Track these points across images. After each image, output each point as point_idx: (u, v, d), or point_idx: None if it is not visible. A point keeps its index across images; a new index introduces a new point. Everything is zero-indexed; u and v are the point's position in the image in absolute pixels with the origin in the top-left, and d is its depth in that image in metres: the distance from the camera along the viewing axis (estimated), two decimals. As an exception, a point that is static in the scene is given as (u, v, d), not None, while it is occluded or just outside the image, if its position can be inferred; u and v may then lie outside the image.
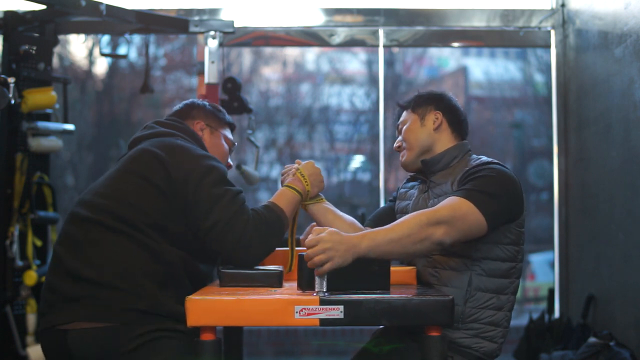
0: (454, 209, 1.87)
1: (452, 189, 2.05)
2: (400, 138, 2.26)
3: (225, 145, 2.32)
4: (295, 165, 2.26)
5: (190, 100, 2.37)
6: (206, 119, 2.29)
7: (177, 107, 2.35)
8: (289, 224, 2.15)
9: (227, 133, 2.35)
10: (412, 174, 2.29)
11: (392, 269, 1.92)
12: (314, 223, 2.33)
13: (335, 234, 1.78)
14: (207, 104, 2.34)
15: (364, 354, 2.21)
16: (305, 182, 2.20)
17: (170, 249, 1.99)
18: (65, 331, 1.94)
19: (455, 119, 2.22)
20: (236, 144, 2.40)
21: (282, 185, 2.23)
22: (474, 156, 2.16)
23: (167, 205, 2.00)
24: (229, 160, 2.37)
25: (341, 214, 2.27)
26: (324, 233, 1.78)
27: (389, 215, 2.29)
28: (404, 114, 2.27)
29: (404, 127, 2.24)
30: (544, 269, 6.83)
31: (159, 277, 1.96)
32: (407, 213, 2.20)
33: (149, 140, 2.12)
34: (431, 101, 2.24)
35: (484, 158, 2.11)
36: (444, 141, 2.19)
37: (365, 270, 1.83)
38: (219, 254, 2.07)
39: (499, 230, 1.99)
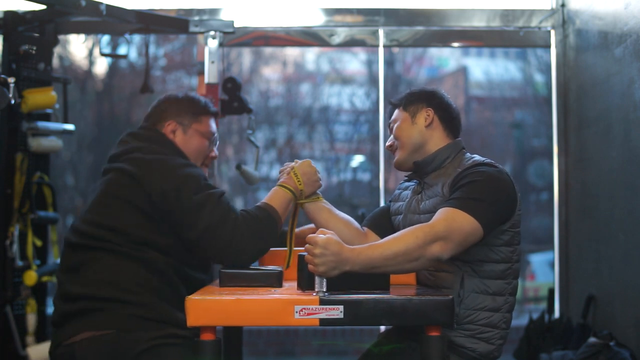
0: (449, 223, 1.85)
1: (443, 192, 2.02)
2: (392, 137, 2.23)
3: (202, 140, 2.27)
4: (293, 164, 2.26)
5: (164, 96, 2.32)
6: (177, 117, 2.25)
7: (149, 109, 2.32)
8: (281, 222, 2.16)
9: (204, 125, 2.28)
10: (406, 175, 2.27)
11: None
12: (312, 226, 2.33)
13: (334, 243, 1.76)
14: (179, 95, 2.30)
15: (368, 356, 2.21)
16: (298, 181, 2.20)
17: (161, 257, 2.03)
18: (72, 344, 1.99)
19: (448, 116, 2.19)
20: (215, 134, 2.32)
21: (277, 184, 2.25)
22: (467, 155, 2.13)
23: (153, 223, 2.03)
24: (215, 151, 2.33)
25: (337, 212, 2.25)
26: (325, 236, 1.77)
27: (385, 217, 2.29)
28: (396, 112, 2.24)
29: (395, 126, 2.21)
30: (544, 269, 6.83)
31: (153, 285, 2.01)
32: (400, 214, 2.20)
33: (124, 158, 2.14)
34: (422, 99, 2.20)
35: (477, 158, 2.08)
36: (436, 139, 2.16)
37: (365, 270, 1.83)
38: (213, 259, 2.10)
39: (492, 233, 1.97)
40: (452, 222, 1.86)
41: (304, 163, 2.25)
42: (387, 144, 2.25)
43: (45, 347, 3.25)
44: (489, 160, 2.05)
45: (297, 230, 2.36)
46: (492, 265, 2.00)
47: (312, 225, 2.33)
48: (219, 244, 2.01)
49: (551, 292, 3.88)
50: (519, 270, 2.07)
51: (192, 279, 2.11)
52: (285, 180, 2.21)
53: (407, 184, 2.29)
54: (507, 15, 3.90)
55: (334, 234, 1.80)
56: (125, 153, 2.16)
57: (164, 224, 2.03)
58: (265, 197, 2.18)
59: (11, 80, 2.74)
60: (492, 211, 1.92)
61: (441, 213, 1.89)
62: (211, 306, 1.73)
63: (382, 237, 2.19)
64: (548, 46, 3.94)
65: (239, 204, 6.71)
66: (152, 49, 4.29)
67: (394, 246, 1.81)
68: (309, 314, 1.73)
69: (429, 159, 2.14)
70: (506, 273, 2.02)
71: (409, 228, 1.87)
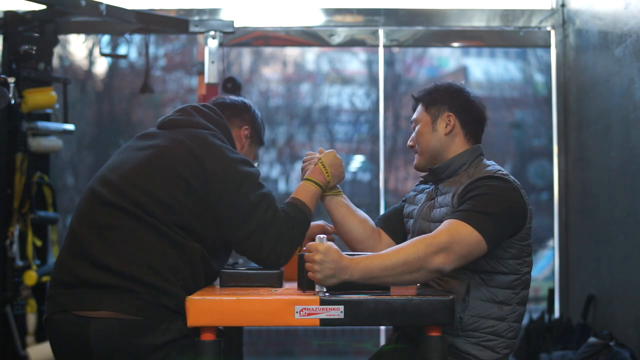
0: (452, 234, 1.82)
1: (452, 203, 1.98)
2: (413, 137, 2.17)
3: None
4: (318, 155, 2.21)
5: (250, 102, 2.27)
6: (253, 130, 2.24)
7: (232, 99, 2.25)
8: (311, 220, 2.12)
9: (257, 151, 2.31)
10: (422, 176, 2.22)
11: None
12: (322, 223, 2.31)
13: (333, 252, 1.76)
14: (259, 115, 2.28)
15: (375, 357, 2.20)
16: (327, 173, 2.16)
17: (194, 246, 1.91)
18: (87, 318, 1.83)
19: (470, 119, 2.11)
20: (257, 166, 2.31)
21: (302, 174, 2.20)
22: (485, 162, 2.08)
23: (198, 207, 1.92)
24: None
25: (355, 209, 2.23)
26: (326, 243, 1.78)
27: (398, 217, 2.26)
28: (418, 109, 2.16)
29: (417, 128, 2.15)
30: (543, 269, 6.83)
31: (184, 276, 1.89)
32: (412, 219, 2.18)
33: (184, 130, 2.01)
34: (445, 100, 2.12)
35: (491, 167, 2.02)
36: (456, 146, 2.10)
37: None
38: (255, 260, 2.02)
39: (500, 246, 1.94)
40: (456, 234, 1.83)
41: (330, 154, 2.20)
42: (409, 143, 2.19)
43: (45, 347, 3.25)
44: (501, 172, 1.99)
45: None
46: (500, 276, 1.97)
47: (319, 222, 2.32)
48: (261, 250, 1.97)
49: (551, 292, 3.88)
50: (529, 280, 2.02)
51: (212, 270, 2.01)
52: (313, 172, 2.16)
53: (422, 186, 2.24)
54: (507, 15, 3.90)
55: (333, 243, 1.80)
56: (186, 124, 2.03)
57: (209, 211, 1.93)
58: (296, 191, 2.13)
59: (11, 80, 2.74)
60: (498, 225, 1.88)
61: (445, 225, 1.86)
62: (212, 306, 1.74)
63: (394, 237, 2.20)
64: (548, 46, 3.95)
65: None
66: (152, 49, 4.29)
67: (394, 257, 1.79)
68: (309, 314, 1.73)
69: (443, 166, 2.09)
70: (514, 284, 1.99)
71: (411, 240, 1.86)
